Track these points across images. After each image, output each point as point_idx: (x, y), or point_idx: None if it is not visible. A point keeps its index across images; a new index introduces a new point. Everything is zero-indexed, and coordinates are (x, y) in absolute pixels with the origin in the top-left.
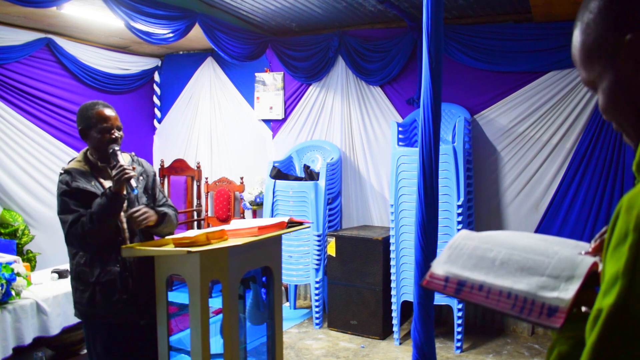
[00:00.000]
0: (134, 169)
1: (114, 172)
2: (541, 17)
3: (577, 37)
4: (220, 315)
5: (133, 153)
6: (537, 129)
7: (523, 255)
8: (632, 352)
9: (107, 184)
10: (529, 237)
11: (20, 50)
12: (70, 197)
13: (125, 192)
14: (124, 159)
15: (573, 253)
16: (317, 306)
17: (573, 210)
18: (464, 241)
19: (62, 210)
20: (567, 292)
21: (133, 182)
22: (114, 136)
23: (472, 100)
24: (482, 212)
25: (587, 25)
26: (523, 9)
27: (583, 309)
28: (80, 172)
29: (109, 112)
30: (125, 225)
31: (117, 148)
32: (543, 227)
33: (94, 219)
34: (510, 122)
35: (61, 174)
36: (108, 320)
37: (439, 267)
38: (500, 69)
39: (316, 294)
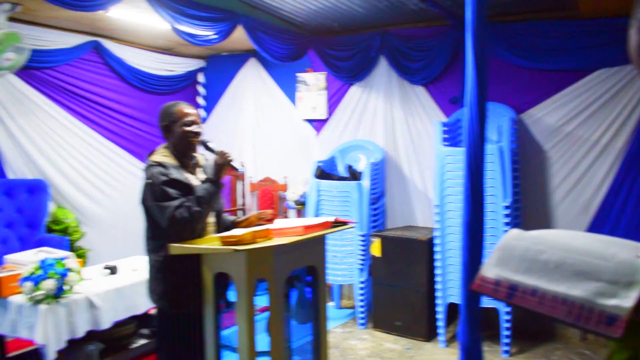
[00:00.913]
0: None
1: (217, 159)
2: (588, 13)
3: (632, 36)
4: (266, 313)
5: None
6: (585, 128)
7: (578, 258)
8: None
9: (190, 177)
10: (584, 236)
11: (70, 53)
12: (171, 187)
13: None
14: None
15: (631, 256)
16: (361, 306)
17: (625, 213)
18: (514, 242)
19: (163, 197)
20: (628, 300)
21: (234, 164)
22: (196, 130)
23: (518, 99)
24: (529, 213)
25: None
26: (569, 5)
27: None
28: (172, 165)
29: (191, 109)
30: (211, 219)
31: (210, 140)
32: (592, 230)
33: (200, 202)
34: (557, 121)
35: (153, 165)
36: (197, 310)
37: (490, 270)
38: (547, 67)
39: (361, 294)
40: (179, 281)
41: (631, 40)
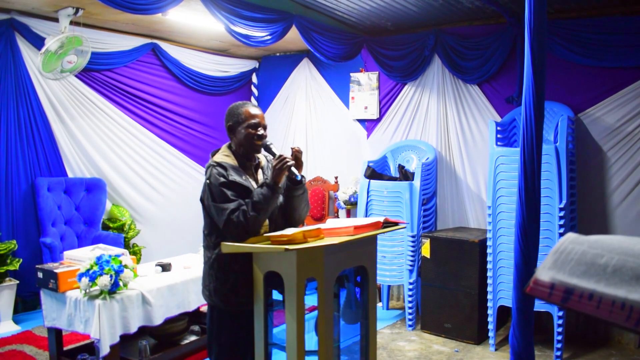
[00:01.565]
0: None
1: (274, 162)
2: None
3: None
4: (314, 313)
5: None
6: None
7: (639, 262)
8: None
9: (250, 179)
10: None
11: (128, 55)
12: (229, 188)
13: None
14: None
15: None
16: (410, 307)
17: None
18: (571, 245)
19: (221, 199)
20: None
21: (294, 169)
22: (260, 133)
23: (575, 98)
24: (585, 215)
25: None
26: (631, 1)
27: None
28: (232, 166)
29: (257, 111)
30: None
31: (271, 142)
32: None
33: (256, 207)
34: (617, 120)
35: (213, 166)
36: (246, 307)
37: (544, 273)
38: (607, 65)
39: (410, 295)
40: (231, 278)
41: None
